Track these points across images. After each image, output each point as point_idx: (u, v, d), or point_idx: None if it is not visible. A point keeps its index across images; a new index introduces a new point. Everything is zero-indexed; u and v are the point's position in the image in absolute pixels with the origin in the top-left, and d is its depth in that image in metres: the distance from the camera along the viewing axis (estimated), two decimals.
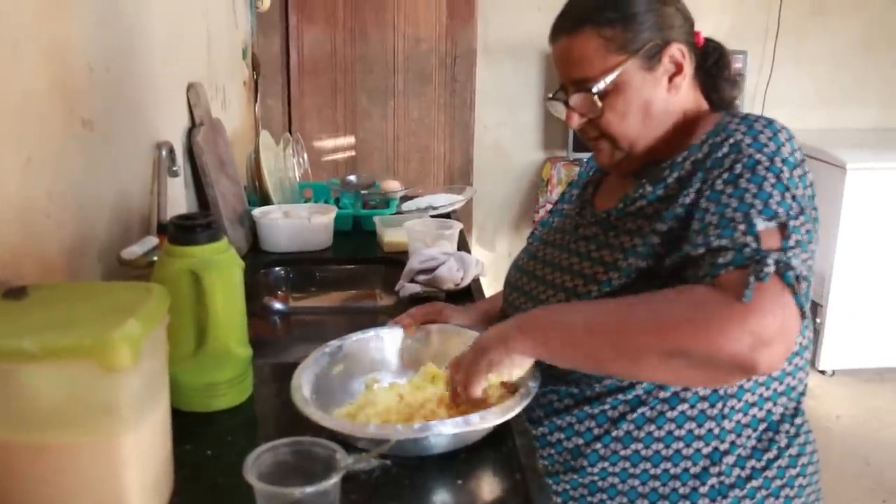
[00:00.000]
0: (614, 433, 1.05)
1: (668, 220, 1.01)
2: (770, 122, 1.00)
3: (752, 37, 3.84)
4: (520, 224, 4.03)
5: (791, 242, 0.90)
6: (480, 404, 0.99)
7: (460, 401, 1.01)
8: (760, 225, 0.90)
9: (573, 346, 0.95)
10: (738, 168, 0.96)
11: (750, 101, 3.86)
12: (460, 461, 0.94)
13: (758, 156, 0.96)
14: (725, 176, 0.96)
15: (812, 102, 3.98)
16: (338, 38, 3.47)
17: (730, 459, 1.04)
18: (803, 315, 0.88)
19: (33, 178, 1.02)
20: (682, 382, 0.99)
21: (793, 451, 1.07)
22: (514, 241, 4.03)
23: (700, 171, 1.00)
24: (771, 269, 0.86)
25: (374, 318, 1.55)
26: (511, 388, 1.01)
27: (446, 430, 0.90)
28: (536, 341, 0.96)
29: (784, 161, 0.96)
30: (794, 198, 0.93)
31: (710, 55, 1.15)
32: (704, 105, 1.14)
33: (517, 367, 0.98)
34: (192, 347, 1.03)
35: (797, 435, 1.08)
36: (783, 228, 0.91)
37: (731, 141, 0.99)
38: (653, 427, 1.04)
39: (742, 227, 0.91)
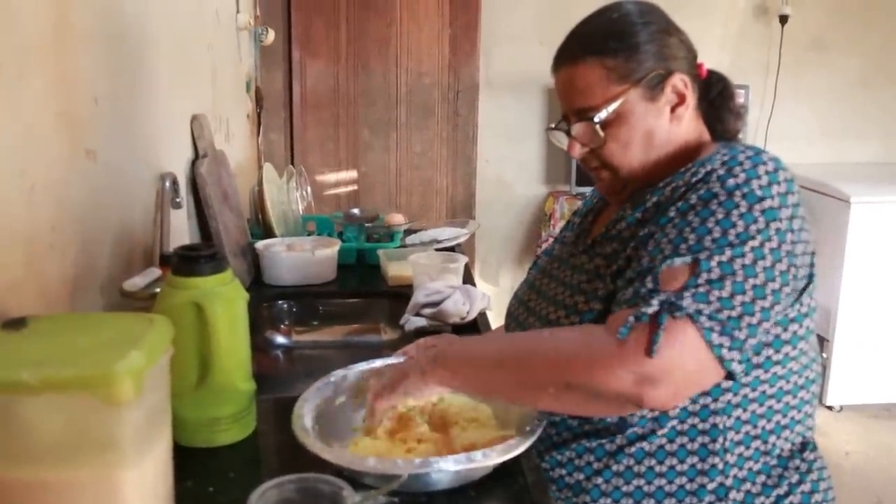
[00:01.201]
0: (615, 468, 1.03)
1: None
2: (757, 154, 0.97)
3: (754, 72, 3.87)
4: (523, 259, 4.02)
5: (700, 280, 0.88)
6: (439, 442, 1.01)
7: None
8: (677, 261, 0.90)
9: (482, 379, 1.00)
10: (694, 199, 0.95)
11: (752, 135, 3.87)
12: (470, 498, 0.92)
13: (716, 188, 0.94)
14: (679, 204, 0.96)
15: (814, 136, 4.00)
16: (340, 72, 3.49)
17: (737, 496, 1.01)
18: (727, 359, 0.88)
19: (37, 208, 1.01)
20: (581, 413, 1.03)
21: (805, 487, 1.05)
22: (517, 276, 4.01)
23: (676, 196, 0.99)
24: (651, 309, 0.87)
25: (379, 353, 1.53)
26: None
27: (448, 467, 0.88)
28: (450, 374, 0.99)
29: (746, 195, 0.92)
30: (738, 235, 0.90)
31: (713, 86, 1.14)
32: (706, 136, 1.13)
33: (431, 396, 1.04)
34: (195, 381, 1.00)
35: (809, 471, 1.05)
36: (695, 265, 0.89)
37: (708, 169, 0.98)
38: (654, 462, 1.02)
39: (658, 262, 0.92)
